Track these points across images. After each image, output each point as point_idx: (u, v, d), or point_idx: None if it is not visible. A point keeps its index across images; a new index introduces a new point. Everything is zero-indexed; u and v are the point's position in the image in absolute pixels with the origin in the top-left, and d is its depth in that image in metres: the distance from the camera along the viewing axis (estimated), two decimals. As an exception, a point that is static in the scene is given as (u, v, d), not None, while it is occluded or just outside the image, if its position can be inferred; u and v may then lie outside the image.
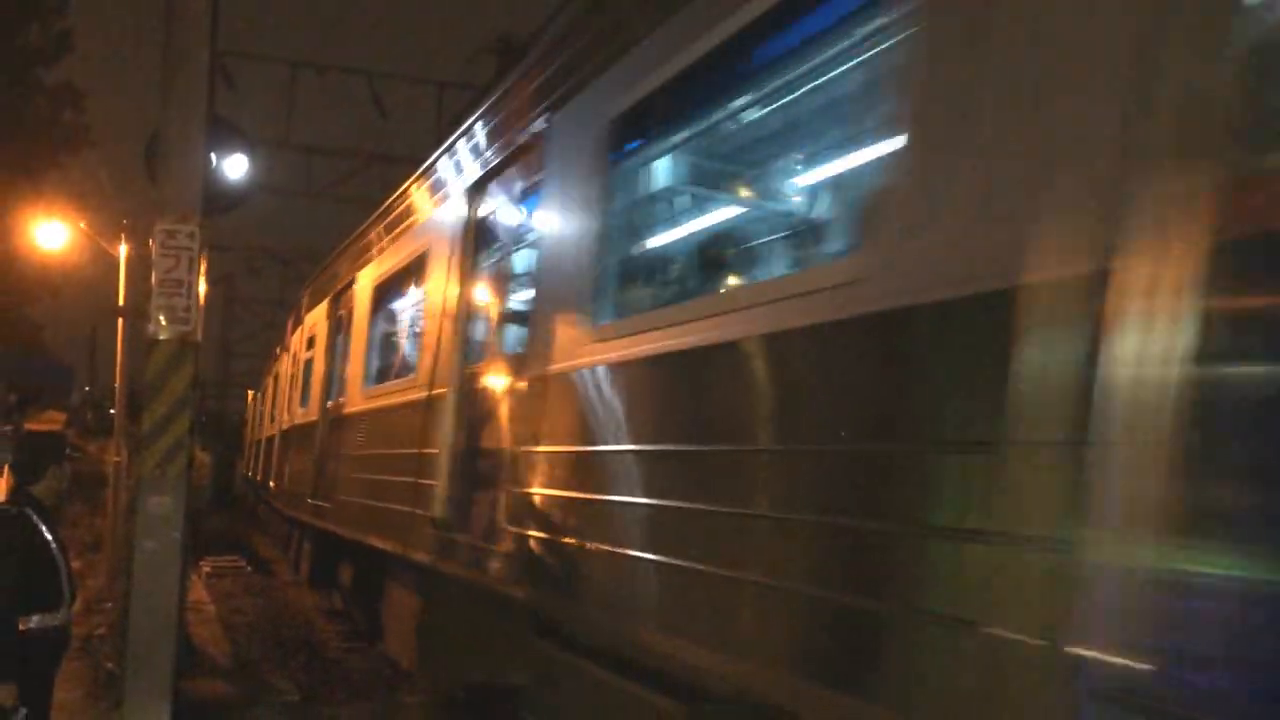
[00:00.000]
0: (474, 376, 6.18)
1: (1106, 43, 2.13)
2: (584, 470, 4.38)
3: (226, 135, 7.57)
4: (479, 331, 6.39)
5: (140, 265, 14.07)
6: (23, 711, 4.48)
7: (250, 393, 27.79)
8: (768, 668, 3.10)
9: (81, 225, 17.80)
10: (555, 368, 4.70)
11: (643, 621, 3.79)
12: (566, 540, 4.45)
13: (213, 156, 7.11)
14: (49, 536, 4.79)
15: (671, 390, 3.84)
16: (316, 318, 13.14)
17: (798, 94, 3.78)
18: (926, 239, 2.58)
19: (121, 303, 15.13)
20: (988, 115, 2.45)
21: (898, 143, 2.77)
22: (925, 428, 2.53)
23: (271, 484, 17.16)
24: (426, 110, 18.08)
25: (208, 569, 15.89)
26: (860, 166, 3.82)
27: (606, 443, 4.16)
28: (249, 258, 31.42)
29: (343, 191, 20.00)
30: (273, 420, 18.32)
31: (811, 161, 4.55)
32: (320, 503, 10.73)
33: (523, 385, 5.14)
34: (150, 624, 6.44)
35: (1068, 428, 2.04)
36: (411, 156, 14.82)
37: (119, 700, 6.65)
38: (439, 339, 6.69)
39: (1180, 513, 1.81)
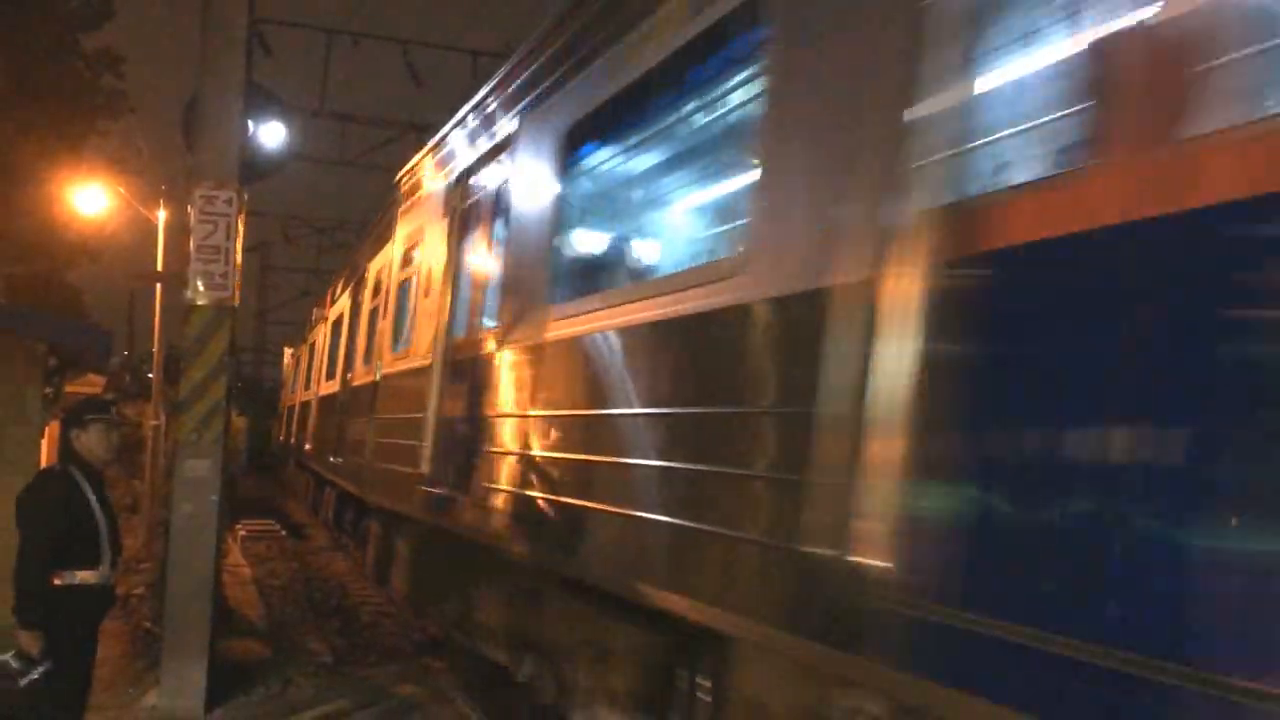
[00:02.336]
0: (457, 349, 6.81)
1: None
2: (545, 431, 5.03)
3: (263, 103, 7.59)
4: (462, 307, 7.01)
5: (179, 231, 14.20)
6: (47, 664, 4.56)
7: (288, 351, 28.05)
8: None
9: (121, 190, 17.99)
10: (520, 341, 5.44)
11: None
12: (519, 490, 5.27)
13: (249, 124, 7.13)
14: (91, 495, 4.85)
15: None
16: (342, 303, 14.70)
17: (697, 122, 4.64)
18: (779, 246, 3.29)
19: (160, 268, 15.28)
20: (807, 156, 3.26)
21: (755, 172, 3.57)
22: (769, 394, 3.24)
23: (307, 446, 17.59)
24: (461, 79, 18.04)
25: (243, 532, 16.12)
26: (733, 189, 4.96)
27: (561, 407, 4.88)
28: (285, 225, 31.64)
29: (377, 160, 20.05)
30: (307, 387, 18.70)
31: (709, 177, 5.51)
32: (337, 460, 12.68)
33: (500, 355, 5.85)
34: (187, 585, 6.56)
35: (850, 397, 2.76)
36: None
37: (156, 659, 6.78)
38: (430, 315, 7.40)
39: (916, 465, 2.57)
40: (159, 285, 15.41)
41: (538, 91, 5.66)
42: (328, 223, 32.18)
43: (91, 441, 4.94)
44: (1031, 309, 2.32)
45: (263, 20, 14.26)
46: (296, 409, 20.75)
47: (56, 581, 4.66)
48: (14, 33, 20.12)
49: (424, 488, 6.89)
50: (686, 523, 3.60)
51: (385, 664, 8.44)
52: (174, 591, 6.58)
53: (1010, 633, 2.22)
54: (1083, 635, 2.07)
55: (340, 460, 12.16)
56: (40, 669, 4.53)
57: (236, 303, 6.62)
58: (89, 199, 18.12)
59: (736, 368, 3.38)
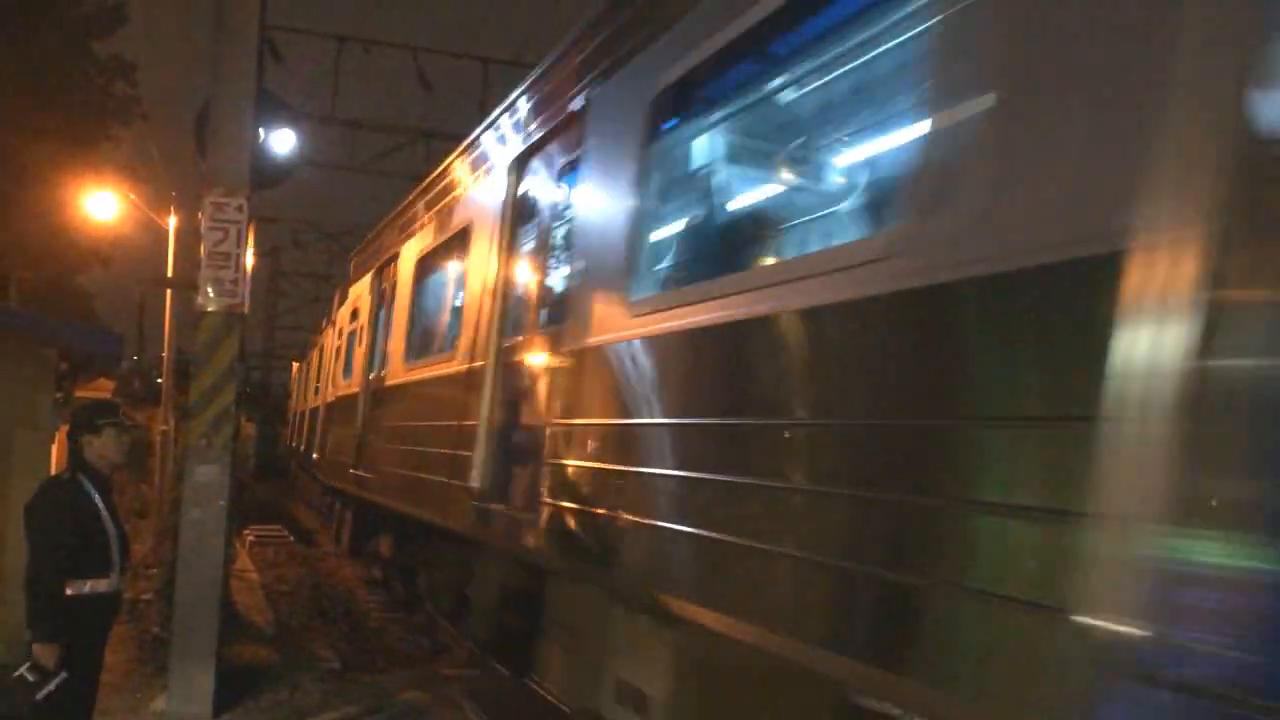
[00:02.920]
0: (514, 350, 6.30)
1: None
2: (621, 441, 4.44)
3: (274, 110, 7.63)
4: (522, 303, 6.42)
5: (189, 236, 14.26)
6: (62, 675, 4.56)
7: (295, 365, 28.15)
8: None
9: (132, 196, 18.09)
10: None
11: None
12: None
13: (260, 130, 7.16)
14: (100, 503, 4.84)
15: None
16: (362, 298, 13.00)
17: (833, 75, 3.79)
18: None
19: (171, 273, 15.35)
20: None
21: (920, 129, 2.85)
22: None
23: (315, 455, 17.51)
24: (471, 86, 18.11)
25: (251, 538, 16.15)
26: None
27: (639, 415, 4.28)
28: (295, 231, 31.80)
29: (387, 166, 20.11)
30: (317, 393, 18.56)
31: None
32: (361, 472, 11.18)
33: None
34: (195, 590, 6.57)
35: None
36: (455, 133, 14.87)
37: (164, 664, 6.79)
38: (485, 312, 6.75)
39: None
40: (169, 291, 15.47)
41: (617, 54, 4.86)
42: (337, 228, 32.32)
43: (104, 447, 4.92)
44: None
45: (274, 27, 14.32)
46: (306, 415, 20.03)
47: (70, 591, 4.64)
48: (27, 39, 20.24)
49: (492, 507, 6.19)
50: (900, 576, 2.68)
51: (393, 669, 8.44)
52: (182, 597, 6.58)
53: None
54: None
55: (368, 473, 10.78)
56: (57, 681, 4.53)
57: (246, 309, 6.64)
58: (100, 205, 18.25)
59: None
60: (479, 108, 16.76)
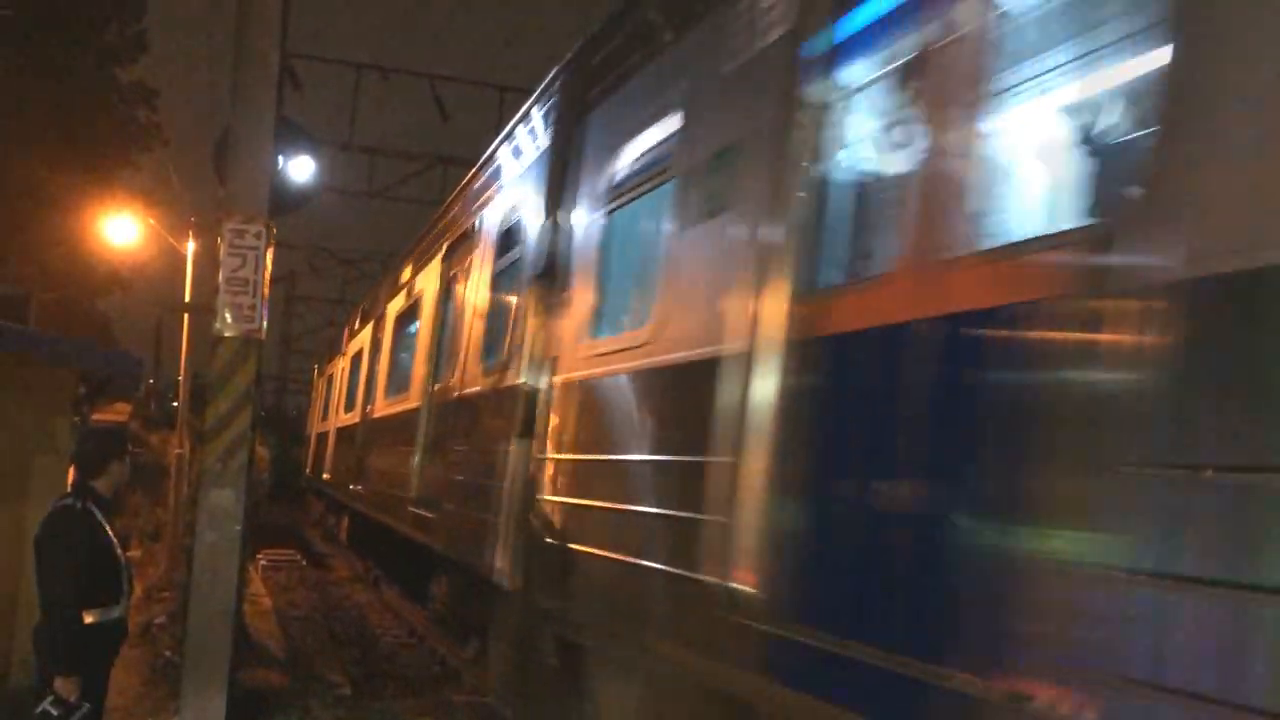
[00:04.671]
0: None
1: None
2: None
3: (293, 137, 7.72)
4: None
5: (207, 261, 14.38)
6: (85, 706, 4.57)
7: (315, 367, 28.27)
8: None
9: (151, 221, 18.27)
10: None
11: None
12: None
13: (279, 158, 7.23)
14: (109, 532, 4.87)
15: None
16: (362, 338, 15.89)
17: None
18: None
19: (188, 298, 15.47)
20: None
21: None
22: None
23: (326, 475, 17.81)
24: (487, 113, 18.25)
25: (264, 561, 16.16)
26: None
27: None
28: (311, 256, 31.94)
29: (404, 192, 20.27)
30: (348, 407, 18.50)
31: None
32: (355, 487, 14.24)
33: None
34: (208, 614, 6.58)
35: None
36: (472, 159, 14.96)
37: (176, 687, 6.79)
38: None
39: None
40: (187, 315, 15.58)
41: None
42: (353, 254, 32.50)
43: (113, 479, 4.96)
44: None
45: (294, 55, 14.49)
46: (331, 435, 18.84)
47: (89, 620, 4.66)
48: (51, 66, 20.54)
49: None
50: None
51: (404, 695, 8.42)
52: (195, 620, 6.59)
53: None
54: None
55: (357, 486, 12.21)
56: (80, 714, 4.54)
57: (264, 336, 6.69)
58: (120, 229, 18.42)
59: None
60: (495, 135, 16.88)
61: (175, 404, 20.30)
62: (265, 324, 6.67)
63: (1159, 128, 2.30)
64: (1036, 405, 2.47)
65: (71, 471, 5.49)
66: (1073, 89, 3.15)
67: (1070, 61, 3.01)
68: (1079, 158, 3.23)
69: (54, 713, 4.51)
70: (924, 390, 2.86)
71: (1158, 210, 2.23)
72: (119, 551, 4.89)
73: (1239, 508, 1.98)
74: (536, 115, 6.95)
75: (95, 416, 9.34)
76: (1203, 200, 2.14)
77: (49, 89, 20.29)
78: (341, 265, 32.70)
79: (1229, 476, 1.98)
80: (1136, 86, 2.78)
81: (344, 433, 16.52)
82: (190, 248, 16.30)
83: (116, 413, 13.64)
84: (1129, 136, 2.97)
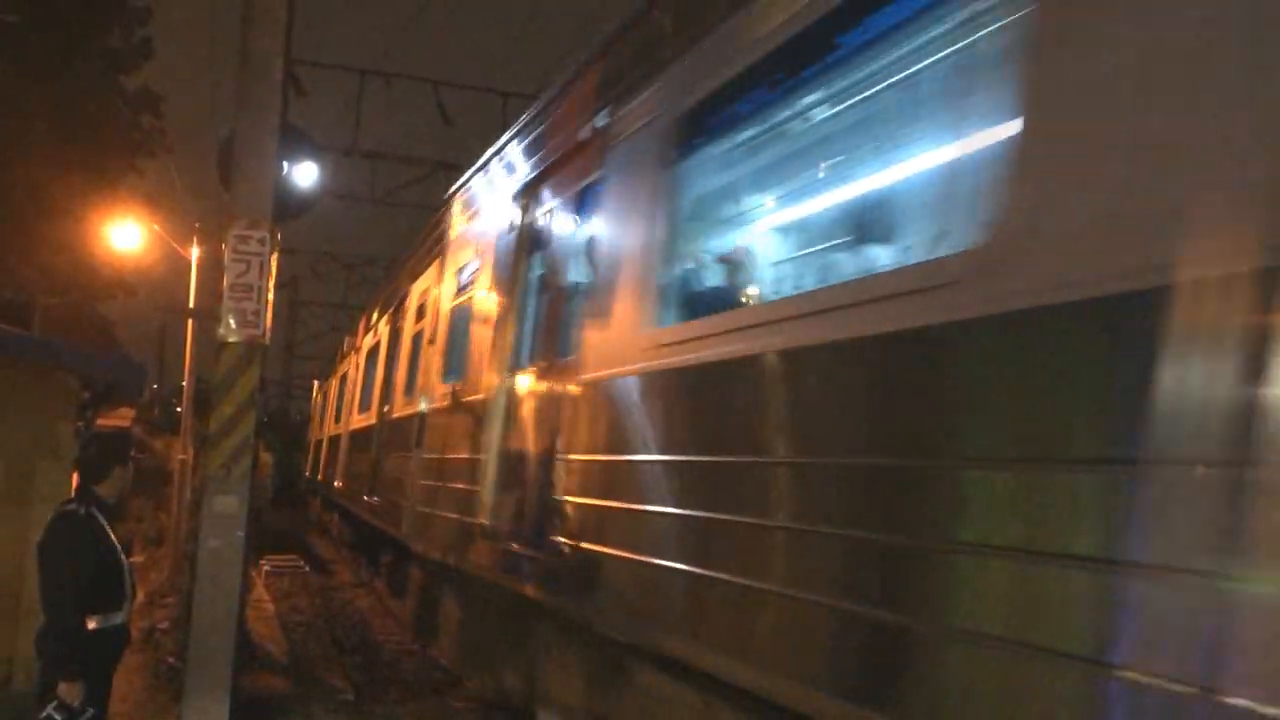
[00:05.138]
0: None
1: None
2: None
3: (297, 143, 7.72)
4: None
5: (211, 267, 14.40)
6: (90, 711, 4.57)
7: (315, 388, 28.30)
8: None
9: (155, 227, 18.28)
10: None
11: None
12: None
13: (284, 163, 7.24)
14: (112, 537, 4.87)
15: None
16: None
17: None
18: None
19: (192, 304, 15.48)
20: None
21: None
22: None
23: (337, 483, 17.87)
24: (491, 119, 18.27)
25: (267, 568, 16.15)
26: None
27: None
28: (314, 261, 32.02)
29: (407, 198, 20.29)
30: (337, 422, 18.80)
31: None
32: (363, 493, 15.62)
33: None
34: (211, 620, 6.57)
35: None
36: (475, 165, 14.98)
37: (179, 693, 6.78)
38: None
39: None
40: (190, 321, 15.59)
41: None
42: (356, 258, 32.55)
43: (116, 484, 4.96)
44: None
45: (298, 61, 14.52)
46: (344, 439, 18.11)
47: (92, 625, 4.66)
48: (58, 74, 20.58)
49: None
50: None
51: (406, 701, 8.41)
52: (198, 626, 6.59)
53: None
54: None
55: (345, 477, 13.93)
56: (83, 719, 4.54)
57: (268, 341, 6.69)
58: (124, 235, 18.43)
59: None
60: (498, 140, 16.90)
61: (179, 409, 20.32)
62: (269, 329, 6.67)
63: None
64: None
65: (74, 477, 5.49)
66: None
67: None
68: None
69: (57, 718, 4.52)
70: None
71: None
72: (121, 557, 4.89)
73: None
74: (433, 236, 10.59)
75: (100, 422, 9.34)
76: None
77: (53, 94, 20.32)
78: (344, 270, 32.77)
79: None
80: None
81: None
82: (194, 253, 16.32)
83: (120, 418, 13.65)
84: None
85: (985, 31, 2.94)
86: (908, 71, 3.55)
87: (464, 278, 8.42)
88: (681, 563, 3.84)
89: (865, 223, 4.57)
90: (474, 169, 8.76)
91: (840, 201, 4.69)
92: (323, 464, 21.10)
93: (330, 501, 19.36)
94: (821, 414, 3.23)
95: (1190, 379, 2.00)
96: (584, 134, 5.44)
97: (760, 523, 3.39)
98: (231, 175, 6.94)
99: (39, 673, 4.80)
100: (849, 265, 4.42)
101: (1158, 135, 2.17)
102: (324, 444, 21.42)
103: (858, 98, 3.87)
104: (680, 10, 4.56)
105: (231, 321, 6.55)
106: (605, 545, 4.49)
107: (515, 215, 6.74)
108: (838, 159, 4.54)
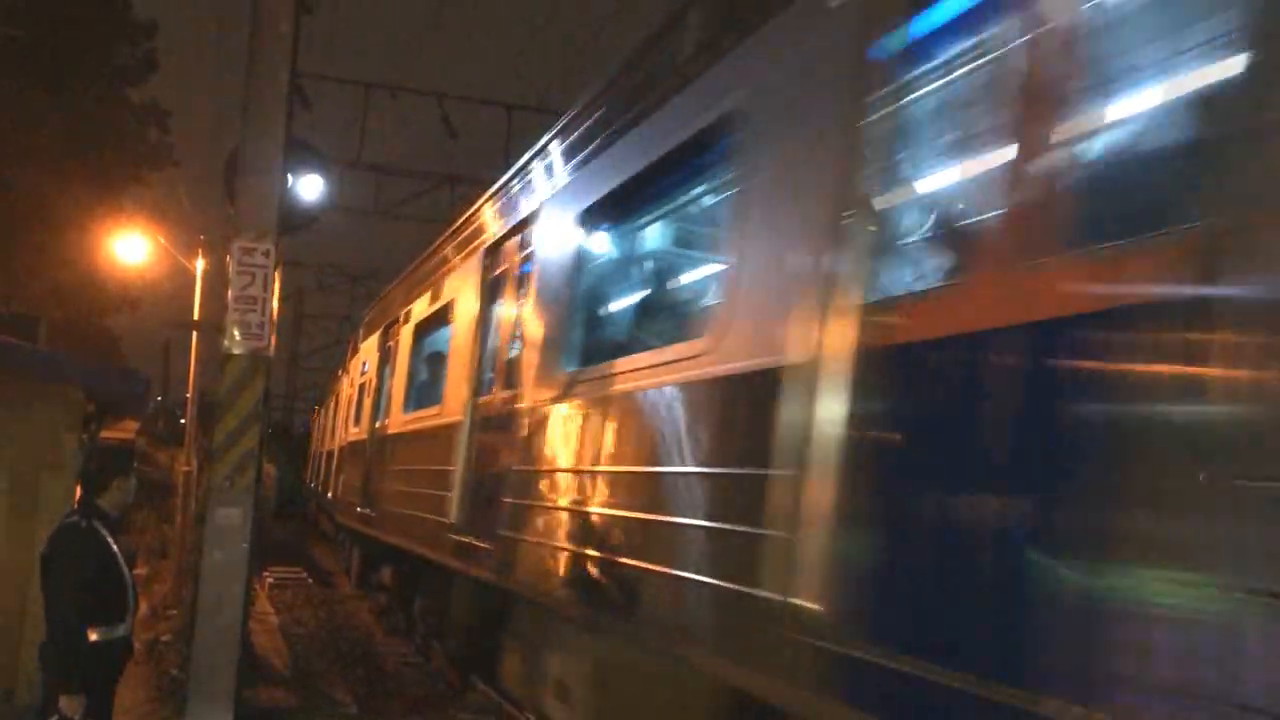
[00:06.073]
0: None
1: None
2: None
3: (303, 156, 7.75)
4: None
5: (216, 280, 14.44)
6: None
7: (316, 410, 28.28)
8: None
9: (160, 240, 18.34)
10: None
11: None
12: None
13: (289, 176, 7.27)
14: (115, 550, 4.86)
15: None
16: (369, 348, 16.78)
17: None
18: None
19: (197, 316, 15.51)
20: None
21: None
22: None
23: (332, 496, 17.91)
24: (496, 132, 18.34)
25: (271, 579, 16.14)
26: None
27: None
28: (318, 273, 32.12)
29: (412, 211, 20.34)
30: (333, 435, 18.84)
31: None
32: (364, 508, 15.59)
33: None
34: (215, 632, 6.57)
35: None
36: (480, 178, 15.04)
37: (182, 706, 6.77)
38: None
39: None
40: (195, 333, 15.63)
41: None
42: (360, 271, 32.64)
43: (119, 496, 4.96)
44: None
45: (304, 74, 14.59)
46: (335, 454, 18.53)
47: (94, 637, 4.65)
48: (65, 86, 20.69)
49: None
50: None
51: (409, 714, 8.39)
52: (201, 638, 6.58)
53: None
54: None
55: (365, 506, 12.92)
56: None
57: (272, 353, 6.70)
58: (129, 247, 18.48)
59: None
60: (504, 153, 16.97)
61: (183, 421, 20.35)
62: (273, 341, 6.69)
63: None
64: None
65: (78, 489, 5.50)
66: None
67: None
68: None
69: None
70: None
71: None
72: (124, 569, 4.88)
73: None
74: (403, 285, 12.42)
75: (104, 434, 9.36)
76: None
77: (59, 107, 20.44)
78: (349, 282, 32.85)
79: None
80: None
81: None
82: (199, 266, 16.36)
83: (124, 430, 13.66)
84: None
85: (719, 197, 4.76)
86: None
87: (436, 321, 10.19)
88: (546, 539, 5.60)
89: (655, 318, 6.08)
90: (429, 248, 10.83)
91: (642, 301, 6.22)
92: (320, 475, 22.13)
93: (323, 507, 21.10)
94: (615, 438, 4.91)
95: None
96: (526, 212, 7.02)
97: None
98: (237, 188, 6.97)
99: (42, 686, 4.80)
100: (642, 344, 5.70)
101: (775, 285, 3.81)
102: (321, 457, 22.68)
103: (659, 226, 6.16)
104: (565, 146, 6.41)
105: (236, 334, 6.57)
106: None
107: (478, 274, 8.15)
108: (648, 265, 6.34)
